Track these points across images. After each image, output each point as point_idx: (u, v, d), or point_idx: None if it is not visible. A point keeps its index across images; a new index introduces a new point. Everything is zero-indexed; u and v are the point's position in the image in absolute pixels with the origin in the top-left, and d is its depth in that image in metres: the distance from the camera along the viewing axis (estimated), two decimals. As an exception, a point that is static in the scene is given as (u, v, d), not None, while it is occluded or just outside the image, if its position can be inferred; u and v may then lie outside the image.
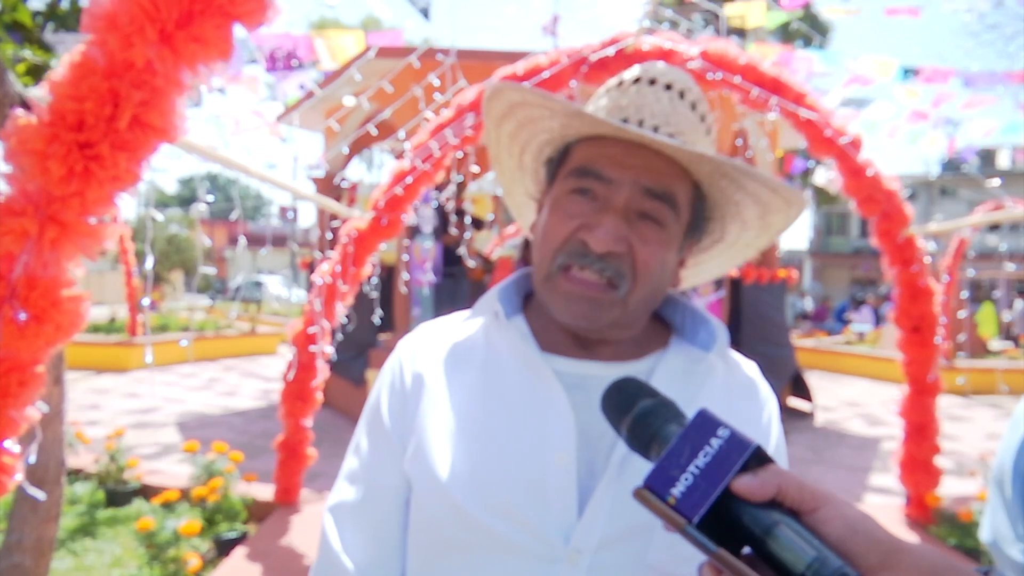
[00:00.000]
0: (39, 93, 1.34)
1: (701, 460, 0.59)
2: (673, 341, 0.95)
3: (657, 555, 0.80)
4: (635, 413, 0.67)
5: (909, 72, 6.22)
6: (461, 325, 0.97)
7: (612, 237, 0.83)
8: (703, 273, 1.08)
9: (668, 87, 0.90)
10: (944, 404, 4.99)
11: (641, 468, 0.80)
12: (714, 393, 0.90)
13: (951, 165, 26.10)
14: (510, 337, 0.91)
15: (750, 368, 0.98)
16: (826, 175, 8.66)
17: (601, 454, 0.83)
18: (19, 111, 1.28)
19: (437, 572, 0.87)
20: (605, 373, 0.88)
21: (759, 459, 0.59)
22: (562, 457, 0.82)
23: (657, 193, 0.85)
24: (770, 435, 0.93)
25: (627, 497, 0.80)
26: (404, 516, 0.92)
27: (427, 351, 0.96)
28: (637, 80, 0.91)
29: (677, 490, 0.58)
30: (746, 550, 0.57)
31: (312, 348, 3.89)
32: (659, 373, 0.89)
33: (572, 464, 0.82)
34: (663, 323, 0.99)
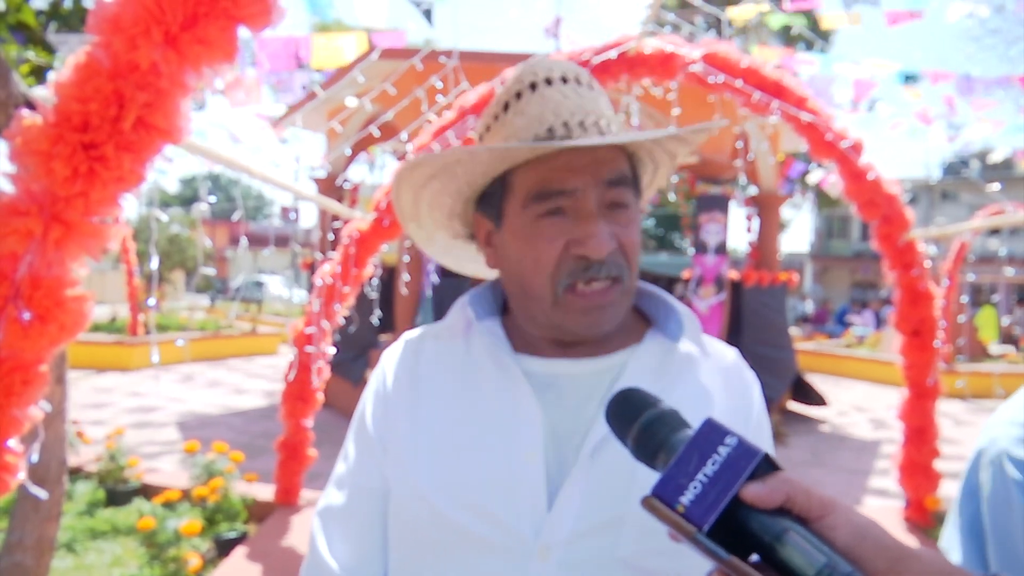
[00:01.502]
0: (42, 93, 1.34)
1: (710, 468, 0.59)
2: (648, 334, 0.96)
3: (627, 549, 0.82)
4: (641, 423, 0.68)
5: (911, 77, 6.23)
6: (442, 332, 0.99)
7: (607, 242, 0.84)
8: None
9: (564, 80, 0.89)
10: (944, 408, 4.99)
11: (610, 461, 0.82)
12: (690, 383, 0.91)
13: (952, 169, 26.10)
14: (483, 340, 0.93)
15: (729, 356, 0.99)
16: (824, 176, 8.68)
17: (571, 451, 0.85)
18: (24, 112, 1.29)
19: (416, 572, 0.89)
20: (576, 371, 0.91)
21: (767, 466, 0.60)
22: (530, 455, 0.84)
23: (617, 180, 0.88)
24: (749, 422, 0.93)
25: (596, 491, 0.82)
26: (387, 519, 0.94)
27: (410, 359, 0.98)
28: (534, 86, 0.89)
29: (686, 498, 0.58)
30: (753, 557, 0.57)
31: (312, 349, 3.89)
32: (631, 367, 0.90)
33: (540, 461, 0.84)
34: (641, 315, 1.00)
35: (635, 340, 0.95)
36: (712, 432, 0.61)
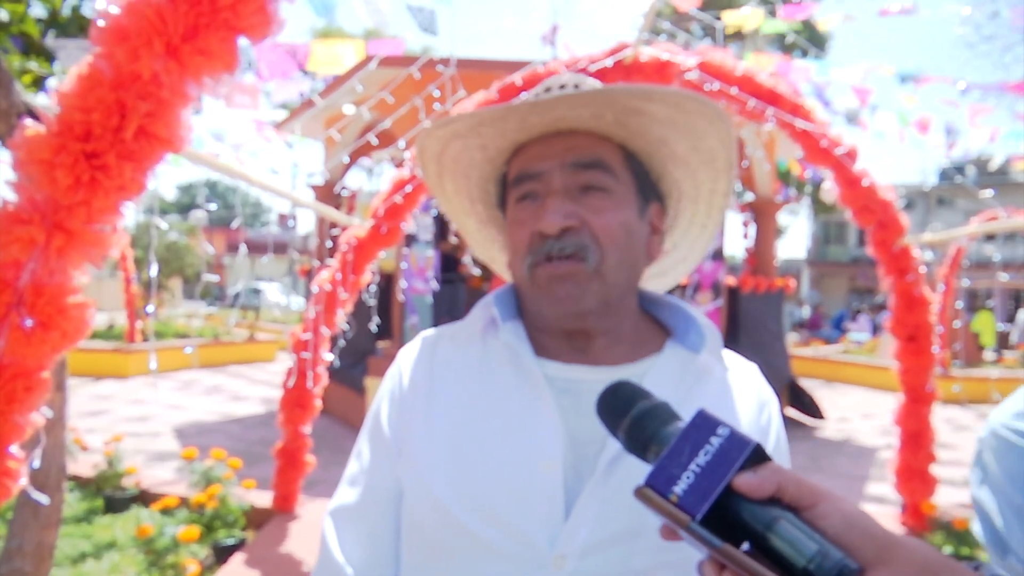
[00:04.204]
0: (43, 102, 1.36)
1: (702, 458, 0.60)
2: (668, 344, 0.95)
3: (642, 561, 0.81)
4: (632, 416, 0.68)
5: (907, 78, 6.24)
6: (460, 332, 0.99)
7: (559, 215, 0.86)
8: (696, 246, 1.09)
9: (562, 87, 0.95)
10: (941, 413, 5.00)
11: (628, 472, 0.81)
12: (708, 396, 0.91)
13: (948, 175, 26.17)
14: (506, 341, 0.93)
15: (748, 370, 0.99)
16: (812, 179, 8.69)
17: (588, 459, 0.84)
18: (27, 121, 1.31)
19: (427, 575, 0.88)
20: (595, 377, 0.90)
21: (758, 457, 0.61)
22: (548, 462, 0.83)
23: (586, 163, 0.90)
24: (768, 435, 0.93)
25: (613, 502, 0.81)
26: (400, 520, 0.93)
27: (426, 358, 0.97)
28: (537, 95, 0.95)
29: (679, 488, 0.59)
30: (745, 546, 0.58)
31: (311, 355, 3.90)
32: (651, 377, 0.90)
33: (558, 469, 0.83)
34: (660, 326, 1.00)
35: (655, 350, 0.95)
36: (704, 423, 0.62)
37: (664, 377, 0.90)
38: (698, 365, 0.92)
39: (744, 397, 0.94)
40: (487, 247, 1.13)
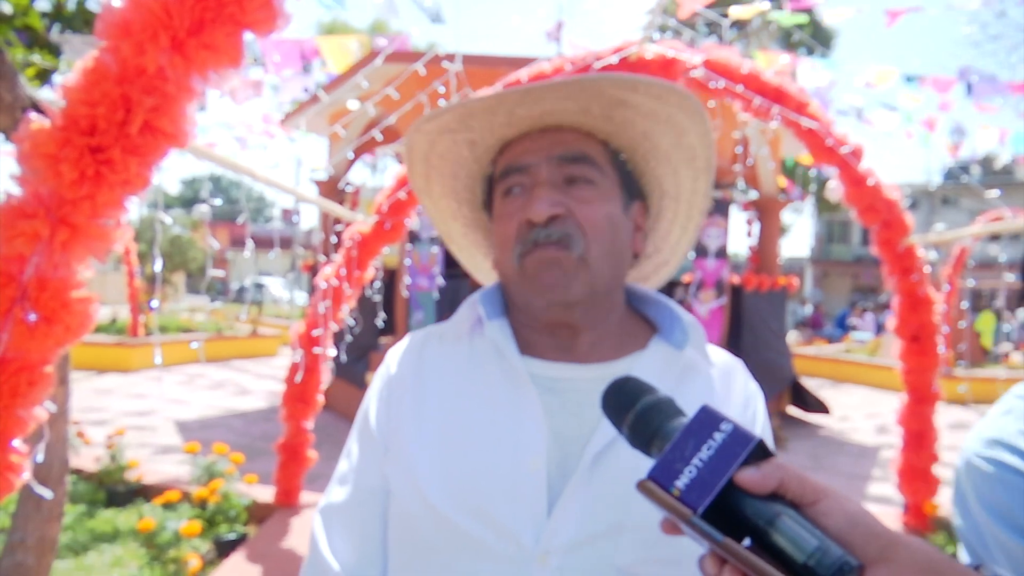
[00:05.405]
0: (48, 96, 1.36)
1: (705, 453, 0.60)
2: (653, 341, 0.96)
3: (626, 557, 0.81)
4: (637, 410, 0.69)
5: (912, 80, 6.23)
6: (448, 331, 1.00)
7: (546, 203, 0.88)
8: (677, 249, 1.10)
9: None
10: (944, 413, 4.99)
11: (612, 469, 0.82)
12: (693, 391, 0.91)
13: (952, 174, 26.10)
14: (492, 339, 0.94)
15: (732, 365, 0.99)
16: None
17: (573, 456, 0.85)
18: (32, 115, 1.31)
19: (414, 572, 0.89)
20: (580, 375, 0.91)
21: (761, 452, 0.61)
22: (533, 460, 0.84)
23: (571, 157, 0.92)
24: (753, 430, 0.93)
25: (597, 498, 0.82)
26: (388, 519, 0.94)
27: (414, 357, 0.98)
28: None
29: (681, 482, 0.59)
30: (746, 542, 0.58)
31: (315, 351, 3.91)
32: (635, 373, 0.89)
33: (542, 466, 0.84)
34: (647, 323, 1.01)
35: (639, 347, 0.96)
36: (708, 418, 0.62)
37: (648, 373, 0.89)
38: (682, 361, 0.93)
39: (729, 392, 0.95)
40: (471, 252, 1.14)
